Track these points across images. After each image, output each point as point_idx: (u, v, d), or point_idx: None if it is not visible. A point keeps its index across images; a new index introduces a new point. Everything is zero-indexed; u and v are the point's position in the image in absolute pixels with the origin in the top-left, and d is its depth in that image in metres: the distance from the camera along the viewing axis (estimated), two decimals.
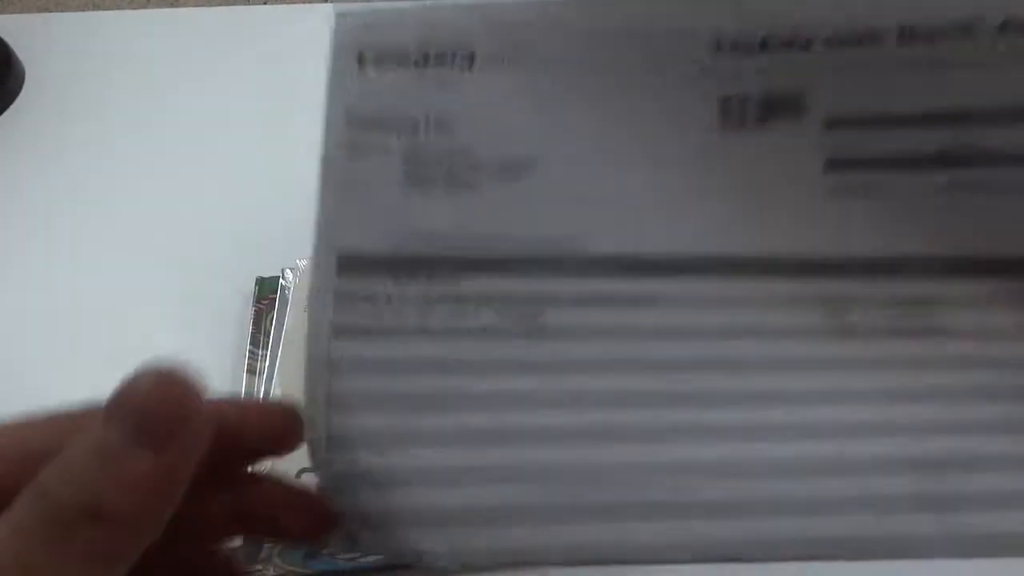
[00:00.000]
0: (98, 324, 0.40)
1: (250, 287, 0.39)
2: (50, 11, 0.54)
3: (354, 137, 0.20)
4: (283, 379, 0.36)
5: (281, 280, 0.39)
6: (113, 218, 0.44)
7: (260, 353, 0.37)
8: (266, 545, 0.31)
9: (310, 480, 0.19)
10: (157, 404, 0.16)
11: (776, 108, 0.19)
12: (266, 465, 0.20)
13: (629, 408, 0.20)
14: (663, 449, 0.19)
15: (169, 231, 0.43)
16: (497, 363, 0.20)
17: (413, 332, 0.20)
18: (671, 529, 0.19)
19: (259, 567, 0.31)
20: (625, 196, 0.20)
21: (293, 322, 0.38)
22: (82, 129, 0.47)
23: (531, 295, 0.20)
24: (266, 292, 0.39)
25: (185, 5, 0.54)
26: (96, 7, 0.54)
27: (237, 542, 0.26)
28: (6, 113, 0.48)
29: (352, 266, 0.20)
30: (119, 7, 0.54)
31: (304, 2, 0.53)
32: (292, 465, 0.19)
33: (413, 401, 0.20)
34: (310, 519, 0.19)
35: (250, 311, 0.39)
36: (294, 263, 0.39)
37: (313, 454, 0.19)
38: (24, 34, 0.51)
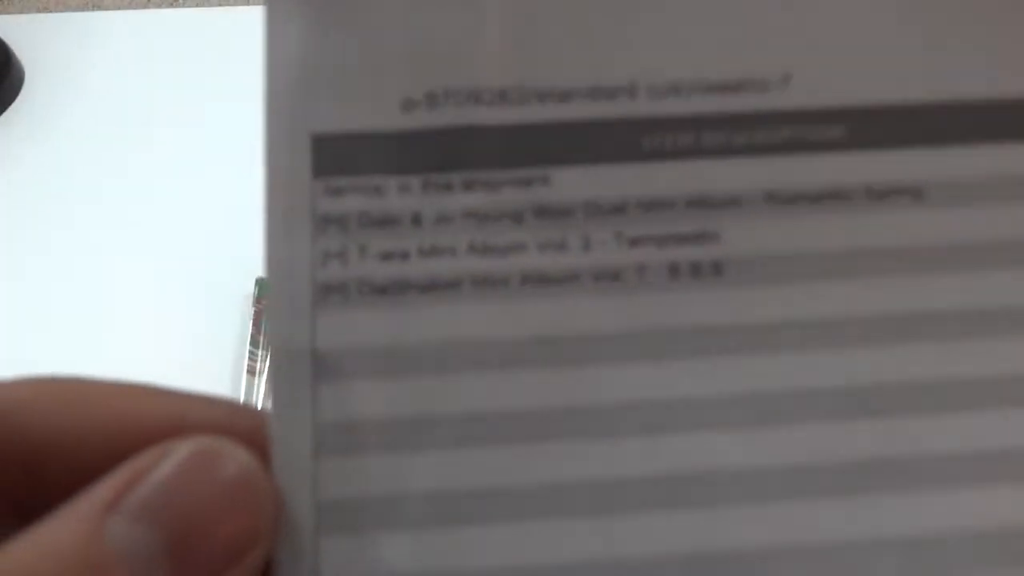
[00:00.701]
0: (97, 324, 0.40)
1: (250, 287, 0.39)
2: (50, 11, 0.54)
3: None
4: None
5: None
6: (113, 218, 0.44)
7: (260, 353, 0.37)
8: None
9: None
10: (205, 522, 0.10)
11: None
12: None
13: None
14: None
15: (169, 231, 0.43)
16: (642, 346, 0.11)
17: (461, 287, 0.11)
18: None
19: None
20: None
21: None
22: (82, 129, 0.47)
23: (699, 194, 0.12)
24: (266, 292, 0.39)
25: (185, 5, 0.54)
26: (96, 7, 0.54)
27: None
28: (6, 113, 0.48)
29: (341, 158, 0.12)
30: (119, 7, 0.54)
31: None
32: None
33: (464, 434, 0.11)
34: None
35: (250, 311, 0.39)
36: None
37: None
38: (24, 34, 0.51)
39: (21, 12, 0.54)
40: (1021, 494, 0.12)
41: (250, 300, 0.39)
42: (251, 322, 0.38)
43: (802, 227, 0.12)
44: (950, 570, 0.11)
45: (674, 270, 0.12)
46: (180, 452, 0.10)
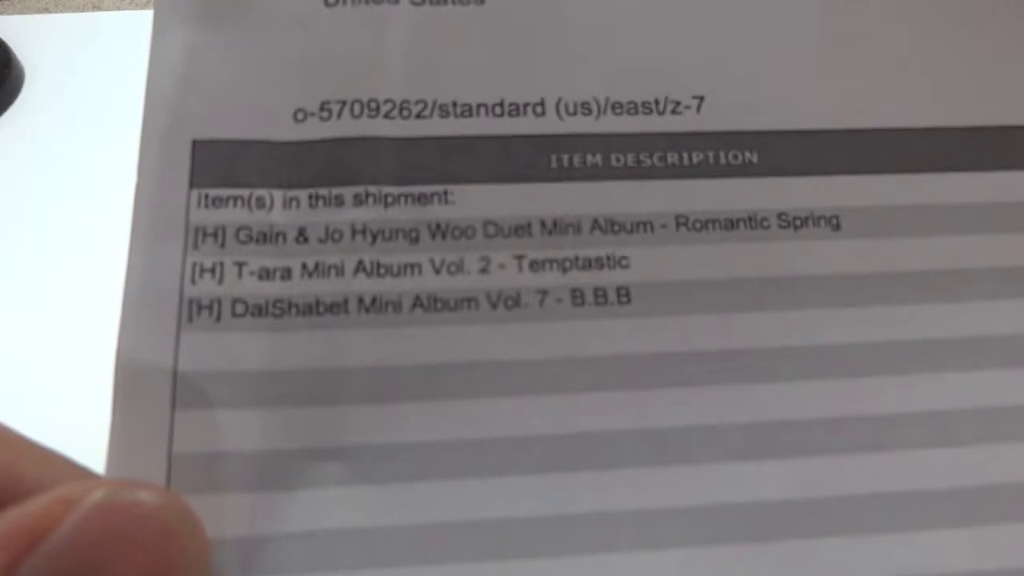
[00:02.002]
0: (97, 324, 0.40)
1: None
2: (50, 11, 0.54)
3: None
4: None
5: None
6: (113, 218, 0.44)
7: None
8: None
9: None
10: None
11: None
12: None
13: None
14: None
15: None
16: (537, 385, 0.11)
17: (347, 310, 0.10)
18: None
19: None
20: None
21: None
22: (82, 129, 0.47)
23: (607, 216, 0.11)
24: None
25: None
26: (96, 7, 0.54)
27: None
28: (6, 113, 0.48)
29: (222, 168, 0.11)
30: (119, 7, 0.54)
31: None
32: None
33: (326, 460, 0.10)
34: None
35: None
36: None
37: None
38: (24, 34, 0.51)
39: (21, 12, 0.54)
40: (926, 537, 0.11)
41: None
42: None
43: (714, 254, 0.11)
44: None
45: (578, 297, 0.11)
46: (87, 503, 0.09)
